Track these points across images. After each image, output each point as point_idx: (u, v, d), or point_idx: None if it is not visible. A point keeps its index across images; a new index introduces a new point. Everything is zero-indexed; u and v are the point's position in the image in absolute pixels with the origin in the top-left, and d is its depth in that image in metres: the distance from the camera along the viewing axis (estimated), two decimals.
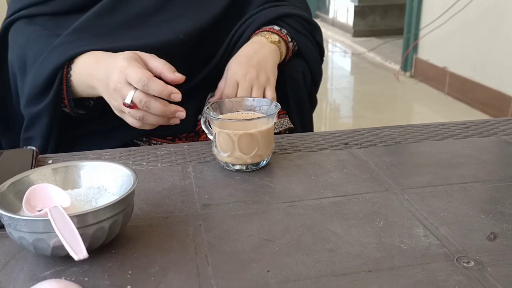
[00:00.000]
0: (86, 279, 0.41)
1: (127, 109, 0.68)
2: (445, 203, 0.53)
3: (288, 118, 0.97)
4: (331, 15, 5.91)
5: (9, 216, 0.40)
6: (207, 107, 0.64)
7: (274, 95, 0.84)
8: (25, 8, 0.86)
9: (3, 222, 0.42)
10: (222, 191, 0.56)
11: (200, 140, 0.88)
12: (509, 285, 0.40)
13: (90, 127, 0.89)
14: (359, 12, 5.17)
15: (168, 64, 0.70)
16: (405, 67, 3.82)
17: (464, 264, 0.43)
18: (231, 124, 0.60)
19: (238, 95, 0.81)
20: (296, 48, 0.96)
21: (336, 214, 0.51)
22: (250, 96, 0.82)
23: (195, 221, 0.50)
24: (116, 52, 0.74)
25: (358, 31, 5.18)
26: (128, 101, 0.65)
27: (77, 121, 0.87)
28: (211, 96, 0.92)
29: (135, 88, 0.66)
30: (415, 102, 3.51)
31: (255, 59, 0.85)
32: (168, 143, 0.88)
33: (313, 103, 1.08)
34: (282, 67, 0.93)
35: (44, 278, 0.41)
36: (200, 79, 0.90)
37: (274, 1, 0.97)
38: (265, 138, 0.60)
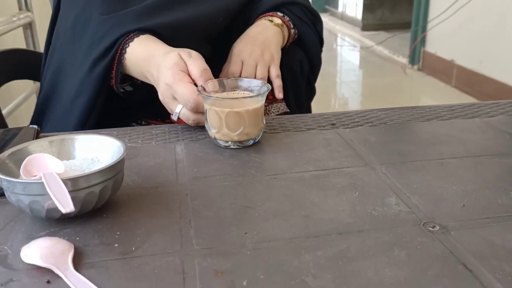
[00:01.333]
0: (77, 238, 0.45)
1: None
2: (420, 176, 0.56)
3: (284, 103, 1.00)
4: (340, 9, 5.91)
5: (8, 180, 0.44)
6: (201, 86, 0.66)
7: (279, 72, 0.87)
8: None
9: (2, 186, 0.46)
10: (210, 166, 0.60)
11: None
12: (469, 246, 0.43)
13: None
14: (368, 6, 5.16)
15: (204, 73, 0.69)
16: (412, 60, 3.82)
17: (430, 228, 0.46)
18: (220, 102, 0.63)
19: (243, 73, 0.84)
20: (296, 36, 0.99)
21: (315, 186, 0.54)
22: (255, 74, 0.85)
23: (182, 191, 0.53)
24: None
25: (367, 25, 5.18)
26: (175, 118, 0.68)
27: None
28: None
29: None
30: (423, 95, 3.51)
31: (260, 39, 0.88)
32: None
33: (311, 91, 1.11)
34: (281, 55, 0.96)
35: (39, 237, 0.45)
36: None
37: None
38: (253, 118, 0.63)
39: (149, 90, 0.90)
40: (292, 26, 0.97)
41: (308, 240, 0.44)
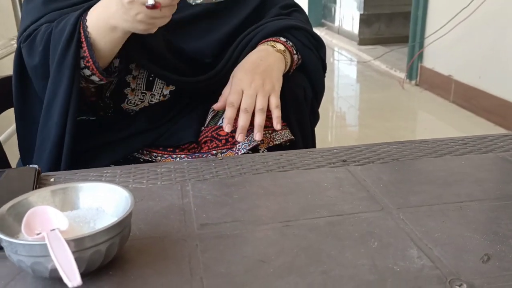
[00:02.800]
0: None
1: (143, 14, 0.69)
2: (439, 223, 0.54)
3: (288, 130, 0.97)
4: (336, 23, 5.92)
5: (8, 240, 0.41)
6: None
7: (279, 102, 0.85)
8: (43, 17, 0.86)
9: (2, 245, 0.43)
10: (219, 211, 0.57)
11: (202, 152, 0.89)
12: None
13: (95, 141, 0.90)
14: (365, 20, 5.18)
15: None
16: (410, 75, 3.82)
17: (457, 287, 0.43)
18: None
19: (242, 103, 0.82)
20: (300, 61, 0.98)
21: (331, 234, 0.52)
22: (255, 104, 0.83)
23: (191, 242, 0.51)
24: None
25: (364, 39, 5.19)
26: (151, 1, 0.66)
27: (85, 135, 0.88)
28: (213, 110, 0.93)
29: None
30: (421, 110, 3.50)
31: (261, 67, 0.86)
32: (169, 154, 0.89)
33: (315, 117, 1.09)
34: (284, 82, 0.94)
35: None
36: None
37: (283, 15, 0.99)
38: None
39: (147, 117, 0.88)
40: (295, 52, 0.96)
41: None
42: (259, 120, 0.83)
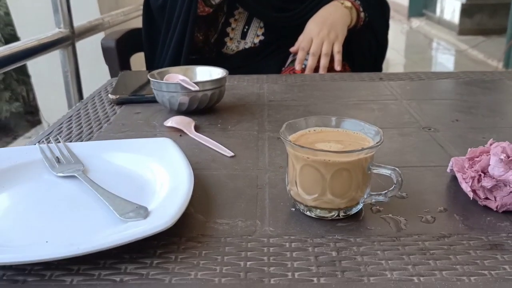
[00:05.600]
0: (196, 120, 0.72)
1: None
2: (434, 110, 0.77)
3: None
4: (437, 14, 5.87)
5: (157, 82, 0.73)
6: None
7: (340, 48, 1.10)
8: None
9: (152, 87, 0.74)
10: (283, 95, 0.85)
11: None
12: (447, 138, 0.64)
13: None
14: (466, 10, 5.11)
15: None
16: (507, 64, 3.77)
17: (427, 130, 0.67)
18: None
19: (311, 48, 1.09)
20: (367, 19, 1.21)
21: (354, 107, 0.77)
22: (321, 49, 1.09)
23: (262, 106, 0.79)
24: None
25: (464, 29, 5.12)
26: None
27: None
28: (293, 55, 1.20)
29: None
30: None
31: (329, 20, 1.12)
32: None
33: (377, 69, 1.31)
34: (351, 35, 1.19)
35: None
36: (282, 34, 1.19)
37: None
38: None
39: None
40: (361, 9, 1.19)
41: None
42: (324, 62, 1.09)
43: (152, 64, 1.27)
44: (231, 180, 0.53)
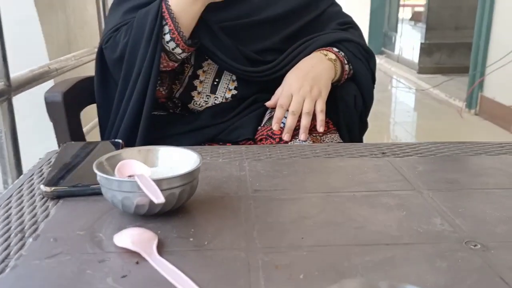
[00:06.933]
0: (159, 231, 0.53)
1: None
2: (465, 202, 0.60)
3: (338, 135, 1.06)
4: (396, 52, 5.94)
5: (107, 178, 0.53)
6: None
7: (324, 107, 0.94)
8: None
9: (100, 183, 0.55)
10: (271, 181, 0.67)
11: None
12: (508, 262, 0.47)
13: (163, 133, 1.03)
14: (425, 50, 5.18)
15: None
16: (469, 104, 3.78)
17: (471, 246, 0.50)
18: None
19: (290, 106, 0.92)
20: (351, 71, 1.07)
21: (366, 204, 0.60)
22: (301, 107, 0.93)
23: (246, 201, 0.61)
24: None
25: (424, 68, 5.18)
26: None
27: (155, 127, 1.01)
28: (270, 111, 1.04)
29: None
30: (480, 140, 3.44)
31: (311, 73, 0.97)
32: None
33: (364, 126, 1.17)
34: (336, 90, 1.04)
35: (129, 228, 0.53)
36: (257, 88, 1.03)
37: (339, 29, 1.10)
38: None
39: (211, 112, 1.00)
40: (346, 62, 1.05)
41: (358, 247, 0.50)
42: (305, 122, 0.93)
43: (106, 124, 1.07)
44: None
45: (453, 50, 5.11)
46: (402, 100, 4.63)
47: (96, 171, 0.54)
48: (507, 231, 0.53)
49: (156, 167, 0.62)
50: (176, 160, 0.62)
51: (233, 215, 0.57)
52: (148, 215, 0.55)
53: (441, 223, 0.55)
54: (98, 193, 0.58)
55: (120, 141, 0.78)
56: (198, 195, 0.62)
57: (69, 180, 0.63)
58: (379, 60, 5.74)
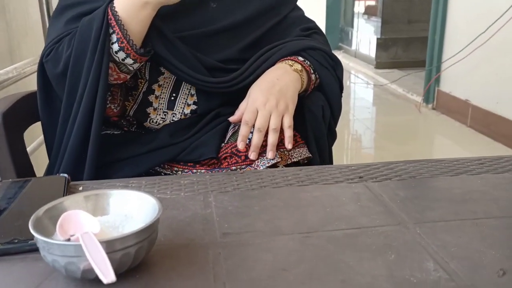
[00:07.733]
0: None
1: None
2: (456, 238, 0.55)
3: (306, 148, 1.00)
4: (353, 47, 5.98)
5: (44, 240, 0.44)
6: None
7: (291, 122, 0.87)
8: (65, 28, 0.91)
9: (38, 245, 0.46)
10: (241, 221, 0.59)
11: (222, 167, 0.91)
12: None
13: (118, 154, 0.93)
14: (382, 45, 5.22)
15: None
16: (427, 99, 3.83)
17: None
18: None
19: (256, 122, 0.85)
20: (318, 81, 1.00)
21: (349, 246, 0.53)
22: (268, 123, 0.86)
23: (214, 249, 0.53)
24: None
25: (381, 63, 5.22)
26: None
27: (109, 148, 0.91)
28: (233, 126, 0.96)
29: None
30: (437, 134, 3.50)
31: (277, 86, 0.89)
32: (190, 168, 0.92)
33: (332, 136, 1.11)
34: (302, 101, 0.97)
35: None
36: (218, 102, 0.95)
37: (303, 36, 1.03)
38: None
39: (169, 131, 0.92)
40: (312, 71, 0.98)
41: None
42: (272, 139, 0.86)
43: (51, 145, 0.96)
44: None
45: (408, 44, 5.18)
46: (361, 96, 4.65)
47: (32, 231, 0.45)
48: (508, 278, 0.48)
49: (107, 215, 0.53)
50: (131, 205, 0.53)
51: (200, 271, 0.49)
52: (98, 280, 0.46)
53: (435, 269, 0.49)
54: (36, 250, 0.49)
55: (66, 175, 0.68)
56: (158, 243, 0.53)
57: (3, 234, 0.53)
58: (337, 55, 5.76)
